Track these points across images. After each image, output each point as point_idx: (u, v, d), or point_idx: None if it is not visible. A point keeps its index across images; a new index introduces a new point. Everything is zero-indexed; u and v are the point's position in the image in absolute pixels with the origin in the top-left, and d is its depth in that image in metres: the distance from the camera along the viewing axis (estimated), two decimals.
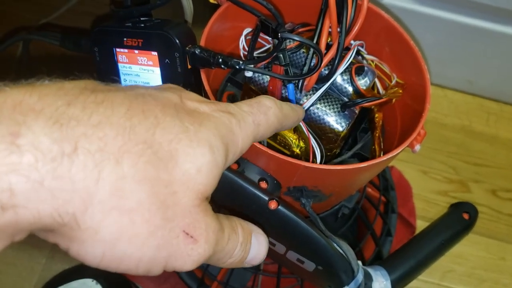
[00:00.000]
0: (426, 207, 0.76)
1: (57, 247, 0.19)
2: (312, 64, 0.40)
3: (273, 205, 0.33)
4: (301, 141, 0.40)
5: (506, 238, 0.76)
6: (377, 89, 0.43)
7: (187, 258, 0.21)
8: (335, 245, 0.37)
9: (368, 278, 0.38)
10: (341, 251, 0.37)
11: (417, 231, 0.71)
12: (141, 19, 0.38)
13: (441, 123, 0.85)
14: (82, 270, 0.57)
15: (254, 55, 0.42)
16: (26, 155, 0.16)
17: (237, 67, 0.36)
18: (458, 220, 0.44)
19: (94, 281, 0.55)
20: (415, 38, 0.80)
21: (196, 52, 0.36)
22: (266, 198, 0.33)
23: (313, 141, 0.39)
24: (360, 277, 0.37)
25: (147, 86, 0.23)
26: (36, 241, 0.72)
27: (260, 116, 0.25)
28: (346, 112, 0.39)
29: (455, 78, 0.87)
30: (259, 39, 0.43)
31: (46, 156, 0.16)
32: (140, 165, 0.18)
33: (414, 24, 0.79)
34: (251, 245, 0.25)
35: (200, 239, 0.21)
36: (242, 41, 0.43)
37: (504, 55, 0.80)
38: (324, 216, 0.50)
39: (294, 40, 0.34)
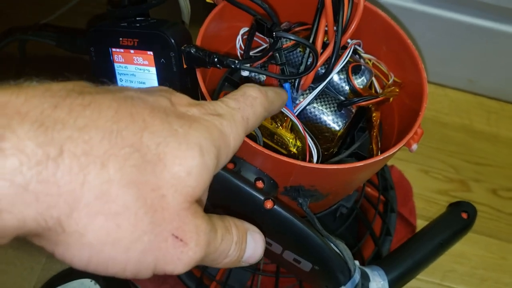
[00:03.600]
0: (427, 206, 0.76)
1: None
2: (308, 63, 0.39)
3: (269, 204, 0.33)
4: (298, 141, 0.40)
5: (507, 238, 0.75)
6: (375, 88, 0.43)
7: (178, 262, 0.20)
8: (331, 244, 0.37)
9: (365, 278, 0.38)
10: (337, 250, 0.36)
11: (417, 230, 0.71)
12: (137, 19, 0.38)
13: (441, 122, 0.85)
14: (80, 270, 0.57)
15: (251, 54, 0.42)
16: (10, 159, 0.16)
17: (233, 66, 0.36)
18: (457, 220, 0.44)
19: (93, 281, 0.55)
20: (413, 37, 0.79)
21: (192, 51, 0.36)
22: (262, 198, 0.33)
23: (309, 141, 0.39)
24: (357, 277, 0.36)
25: (137, 88, 0.23)
26: None
27: (247, 109, 0.25)
28: (342, 111, 0.39)
29: (456, 77, 0.86)
30: (256, 39, 0.43)
31: (31, 160, 0.16)
32: (126, 169, 0.18)
33: (414, 23, 0.78)
34: (247, 244, 0.25)
35: (190, 242, 0.21)
36: (239, 40, 0.43)
37: (504, 54, 0.80)
38: (322, 216, 0.50)
39: (289, 39, 0.33)
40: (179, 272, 0.21)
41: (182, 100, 0.23)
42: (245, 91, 0.27)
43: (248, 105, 0.26)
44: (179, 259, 0.20)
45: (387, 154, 0.35)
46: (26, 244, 0.68)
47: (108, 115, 0.19)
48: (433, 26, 0.78)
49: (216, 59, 0.36)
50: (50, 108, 0.17)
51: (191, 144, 0.20)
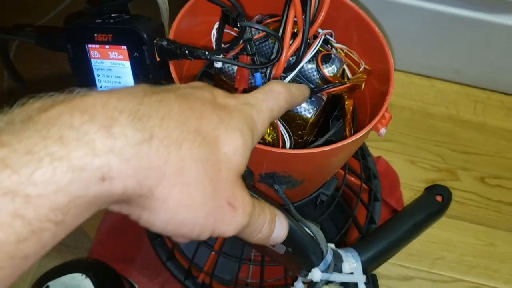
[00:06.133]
0: (414, 196, 0.75)
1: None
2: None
3: None
4: (272, 130, 0.41)
5: (495, 224, 0.76)
6: (347, 76, 0.44)
7: (229, 226, 0.25)
8: (304, 227, 0.38)
9: (338, 258, 0.39)
10: (310, 233, 0.38)
11: None
12: (112, 15, 0.39)
13: (428, 113, 0.86)
14: (71, 266, 0.58)
15: (226, 46, 0.43)
16: (119, 140, 0.21)
17: (203, 57, 0.37)
18: (431, 203, 0.45)
19: (84, 276, 0.56)
20: (398, 29, 0.80)
21: (163, 44, 0.37)
22: None
23: (282, 128, 0.40)
24: (329, 257, 0.38)
25: (186, 85, 0.28)
26: None
27: (272, 101, 0.30)
28: (313, 99, 0.40)
29: (442, 68, 0.87)
30: (231, 32, 0.44)
31: (131, 142, 0.21)
32: (194, 149, 0.23)
33: (398, 16, 0.79)
34: (275, 225, 0.30)
35: (239, 209, 0.25)
36: (213, 34, 0.44)
37: (489, 44, 0.81)
38: (303, 204, 0.51)
39: (255, 28, 0.35)
40: (230, 235, 0.26)
41: (219, 93, 0.28)
42: (271, 86, 0.31)
43: (273, 98, 0.30)
44: (230, 223, 0.25)
45: (353, 138, 0.36)
46: None
47: (175, 108, 0.24)
48: (417, 18, 0.79)
49: (186, 51, 0.37)
50: (137, 105, 0.22)
51: (234, 128, 0.26)
